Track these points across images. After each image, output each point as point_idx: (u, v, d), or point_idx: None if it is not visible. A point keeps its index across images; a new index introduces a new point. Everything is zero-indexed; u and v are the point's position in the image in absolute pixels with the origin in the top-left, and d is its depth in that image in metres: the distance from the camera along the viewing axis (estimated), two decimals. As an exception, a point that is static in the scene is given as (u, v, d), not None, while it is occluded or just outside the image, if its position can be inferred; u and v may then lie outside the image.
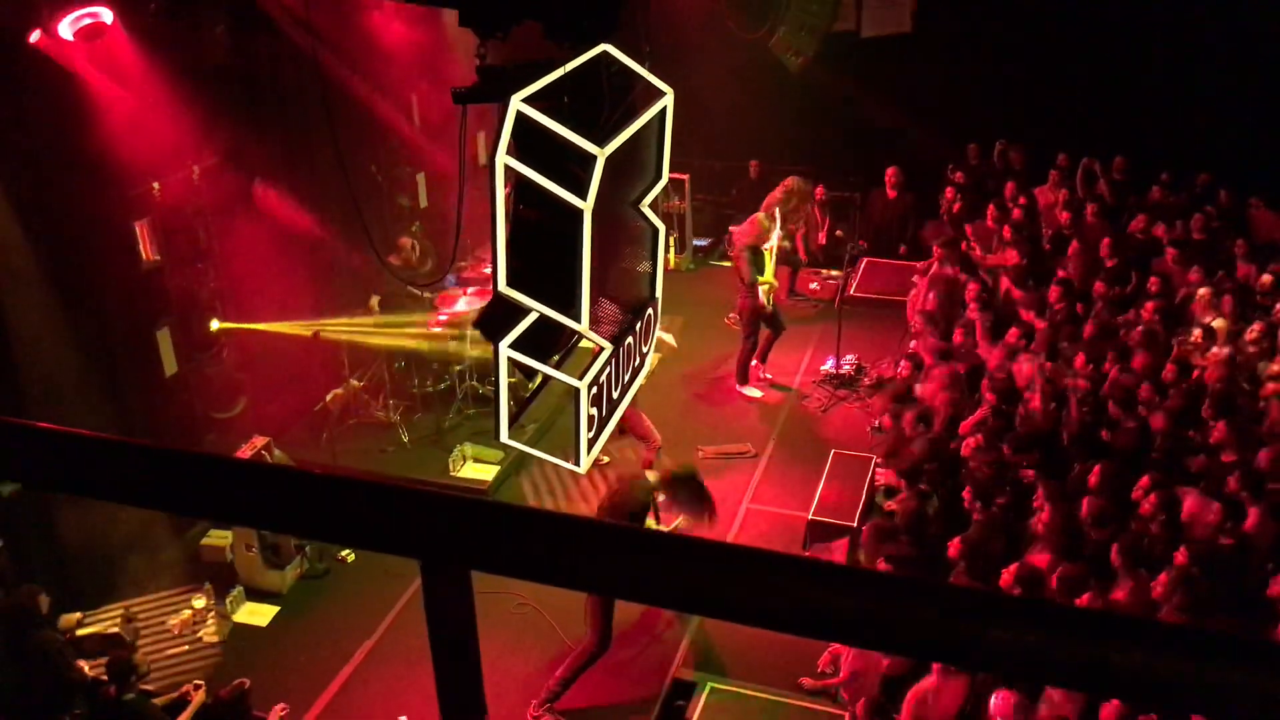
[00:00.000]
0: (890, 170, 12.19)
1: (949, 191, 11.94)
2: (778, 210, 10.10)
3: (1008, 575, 6.10)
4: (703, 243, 13.34)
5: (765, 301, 10.00)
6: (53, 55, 6.56)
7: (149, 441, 1.23)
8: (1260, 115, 11.07)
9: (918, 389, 8.72)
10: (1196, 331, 8.61)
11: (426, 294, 9.51)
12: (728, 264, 11.87)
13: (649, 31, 4.94)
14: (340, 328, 9.23)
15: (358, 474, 8.81)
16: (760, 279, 9.91)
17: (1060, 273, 9.84)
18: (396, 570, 7.57)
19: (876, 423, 9.51)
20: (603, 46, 4.49)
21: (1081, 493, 6.90)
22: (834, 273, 12.12)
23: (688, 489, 6.68)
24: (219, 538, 8.15)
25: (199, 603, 7.72)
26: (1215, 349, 8.33)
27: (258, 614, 7.77)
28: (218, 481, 1.17)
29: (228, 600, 7.73)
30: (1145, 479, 6.84)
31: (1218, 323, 8.64)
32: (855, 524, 7.75)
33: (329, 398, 9.57)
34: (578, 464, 4.87)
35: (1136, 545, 6.33)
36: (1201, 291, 9.01)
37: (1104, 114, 11.69)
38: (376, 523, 1.11)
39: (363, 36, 9.61)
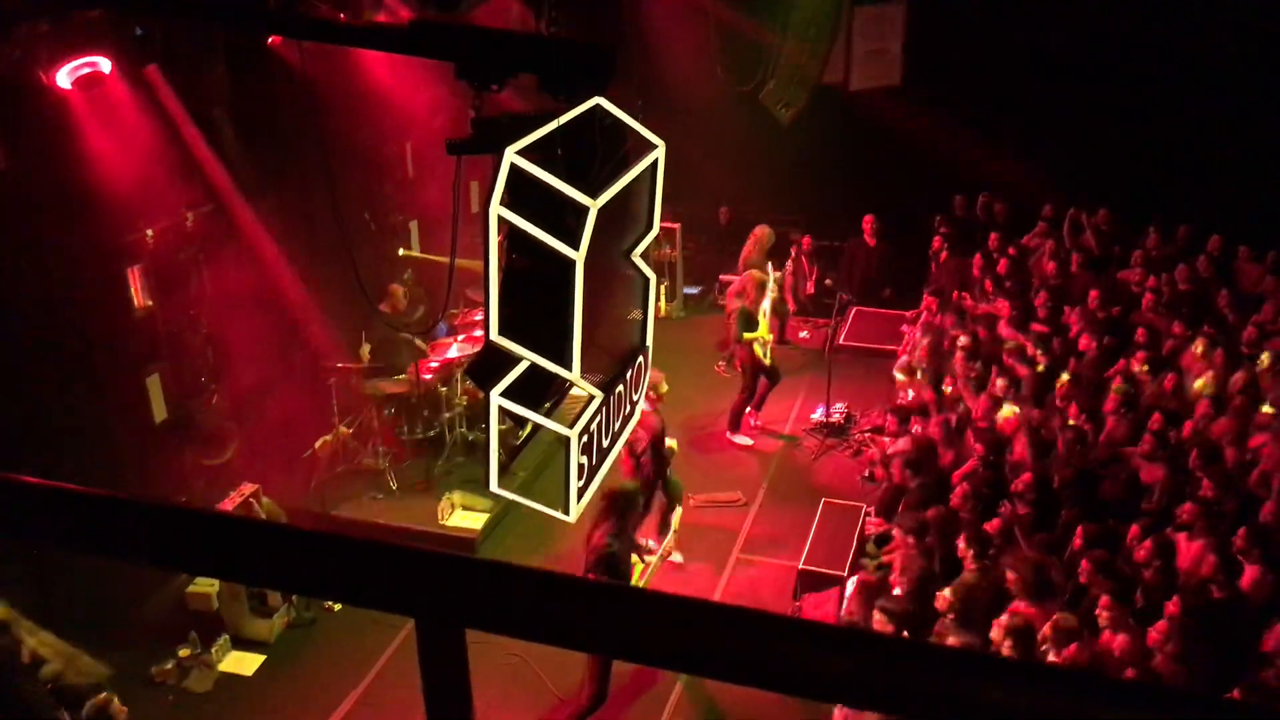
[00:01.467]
0: (867, 218, 12.33)
1: (936, 241, 12.06)
2: (769, 266, 10.30)
3: (998, 628, 6.07)
4: (693, 291, 13.42)
5: (762, 355, 10.05)
6: (50, 103, 6.61)
7: (138, 496, 1.23)
8: (1246, 166, 11.23)
9: (902, 442, 8.72)
10: (1170, 376, 8.67)
11: (419, 342, 9.51)
12: (717, 313, 11.99)
13: (642, 85, 5.01)
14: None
15: (346, 523, 8.78)
16: (753, 335, 10.00)
17: (1040, 326, 9.91)
18: (384, 620, 7.48)
19: (868, 472, 9.52)
20: (596, 100, 4.55)
21: (1069, 541, 6.90)
22: (823, 321, 12.19)
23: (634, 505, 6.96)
24: (205, 585, 8.07)
25: (184, 652, 7.62)
26: (1203, 399, 8.36)
27: (244, 663, 7.67)
28: (216, 539, 1.17)
29: (214, 649, 7.64)
30: (1136, 528, 6.84)
31: (1206, 376, 8.70)
32: (845, 574, 7.72)
33: (318, 444, 9.53)
34: (567, 513, 4.85)
35: (1128, 595, 6.32)
36: (1196, 346, 9.07)
37: (1089, 166, 11.85)
38: (375, 581, 1.11)
39: (359, 85, 9.70)
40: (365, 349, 9.69)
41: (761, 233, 11.32)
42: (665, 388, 8.50)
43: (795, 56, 12.06)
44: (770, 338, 10.22)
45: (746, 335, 10.02)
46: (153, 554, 1.32)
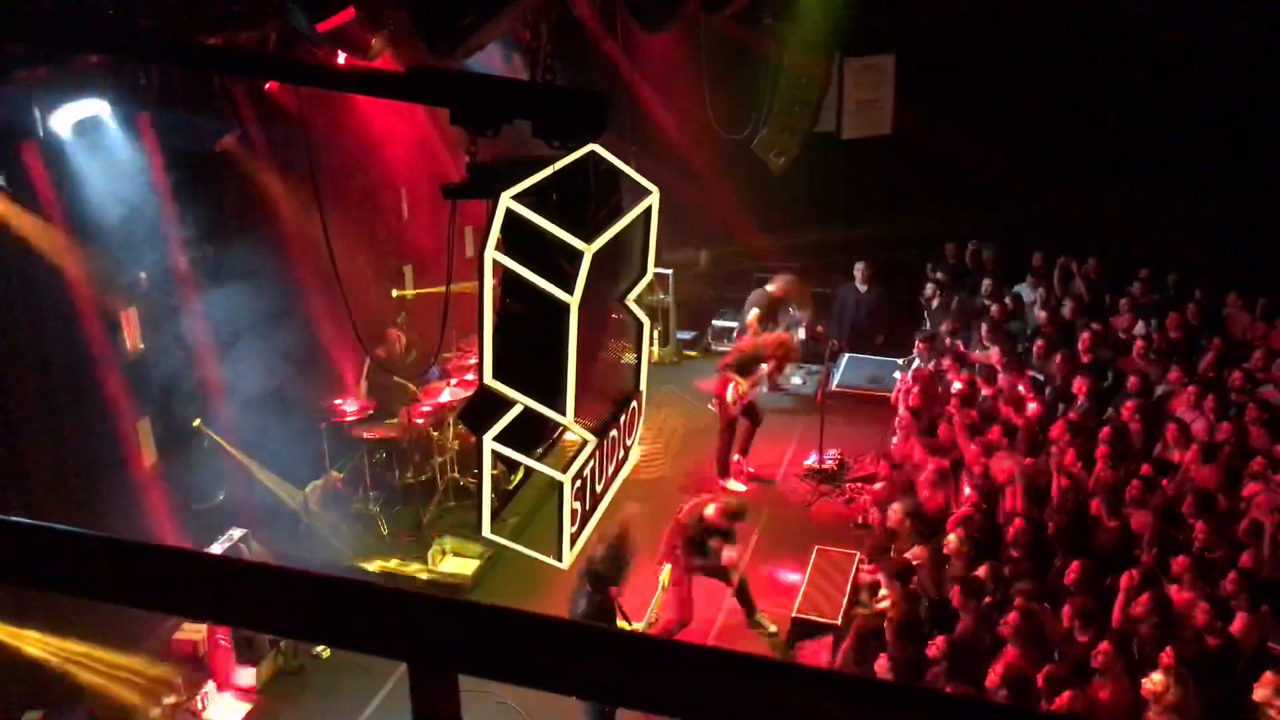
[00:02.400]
0: (859, 264, 12.40)
1: (928, 288, 12.13)
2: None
3: (993, 677, 6.02)
4: (686, 336, 13.44)
5: (731, 399, 9.97)
6: (47, 147, 6.64)
7: (126, 536, 1.22)
8: (1236, 214, 11.35)
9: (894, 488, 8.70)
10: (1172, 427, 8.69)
11: (413, 387, 9.50)
12: (711, 358, 12.04)
13: (636, 132, 5.06)
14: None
15: (336, 568, 8.68)
16: (736, 378, 9.98)
17: (1035, 373, 9.96)
18: (372, 668, 7.41)
19: (860, 518, 9.48)
20: (591, 146, 4.59)
21: (1062, 591, 6.87)
22: (815, 367, 12.19)
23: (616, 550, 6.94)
24: (192, 631, 7.97)
25: (170, 700, 7.51)
26: (1194, 447, 8.37)
27: (231, 711, 7.56)
28: (208, 581, 1.16)
29: (199, 696, 7.53)
30: (1129, 576, 6.82)
31: (1197, 423, 8.72)
32: (838, 622, 7.67)
33: (308, 489, 9.47)
34: (559, 560, 4.83)
35: (1125, 645, 6.28)
36: (1185, 390, 9.10)
37: (1079, 214, 11.97)
38: (367, 624, 1.10)
39: (355, 128, 9.77)
40: (363, 386, 9.67)
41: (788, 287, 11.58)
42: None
43: (788, 106, 12.20)
44: (745, 386, 10.14)
45: (730, 372, 10.02)
46: (142, 596, 1.30)
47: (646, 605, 7.92)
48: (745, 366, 10.14)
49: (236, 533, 8.19)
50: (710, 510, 7.78)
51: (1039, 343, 10.51)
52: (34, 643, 6.85)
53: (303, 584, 1.16)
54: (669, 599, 7.75)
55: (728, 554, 7.77)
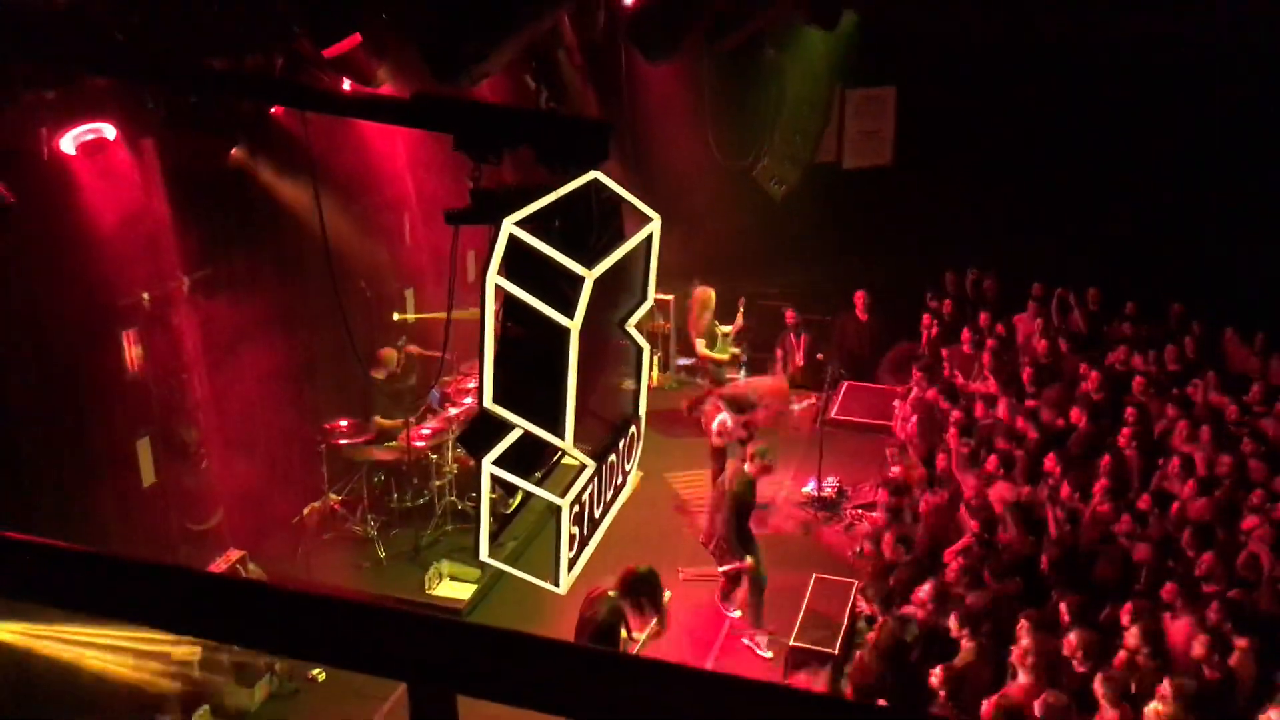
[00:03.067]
0: (859, 294, 12.44)
1: (926, 318, 12.16)
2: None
3: (989, 706, 6.00)
4: (686, 362, 13.46)
5: (717, 433, 9.77)
6: (54, 167, 6.68)
7: (126, 554, 1.24)
8: (1235, 246, 11.40)
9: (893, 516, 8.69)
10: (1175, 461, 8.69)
11: (411, 420, 9.49)
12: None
13: (638, 160, 5.10)
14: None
15: (333, 591, 8.65)
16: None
17: (1035, 403, 9.96)
18: (367, 691, 7.37)
19: (859, 547, 9.46)
20: (593, 173, 4.63)
21: (1059, 621, 6.85)
22: (815, 395, 12.20)
23: (647, 586, 6.71)
24: (185, 653, 7.93)
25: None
26: (1190, 480, 8.37)
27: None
28: (208, 598, 1.17)
29: (194, 719, 7.49)
30: (1127, 607, 6.80)
31: (1196, 455, 8.72)
32: (836, 652, 7.64)
33: (306, 511, 9.47)
34: (557, 584, 4.81)
35: (1124, 677, 6.26)
36: (1180, 423, 9.11)
37: (1078, 244, 12.02)
38: (367, 644, 1.11)
39: (358, 151, 9.84)
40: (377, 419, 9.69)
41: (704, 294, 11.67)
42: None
43: (789, 136, 12.28)
44: (732, 429, 9.97)
45: (721, 402, 10.00)
46: (141, 613, 1.31)
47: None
48: (737, 403, 10.17)
49: (234, 554, 8.17)
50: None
51: (1035, 372, 10.52)
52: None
53: (303, 603, 1.17)
54: None
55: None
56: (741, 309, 12.24)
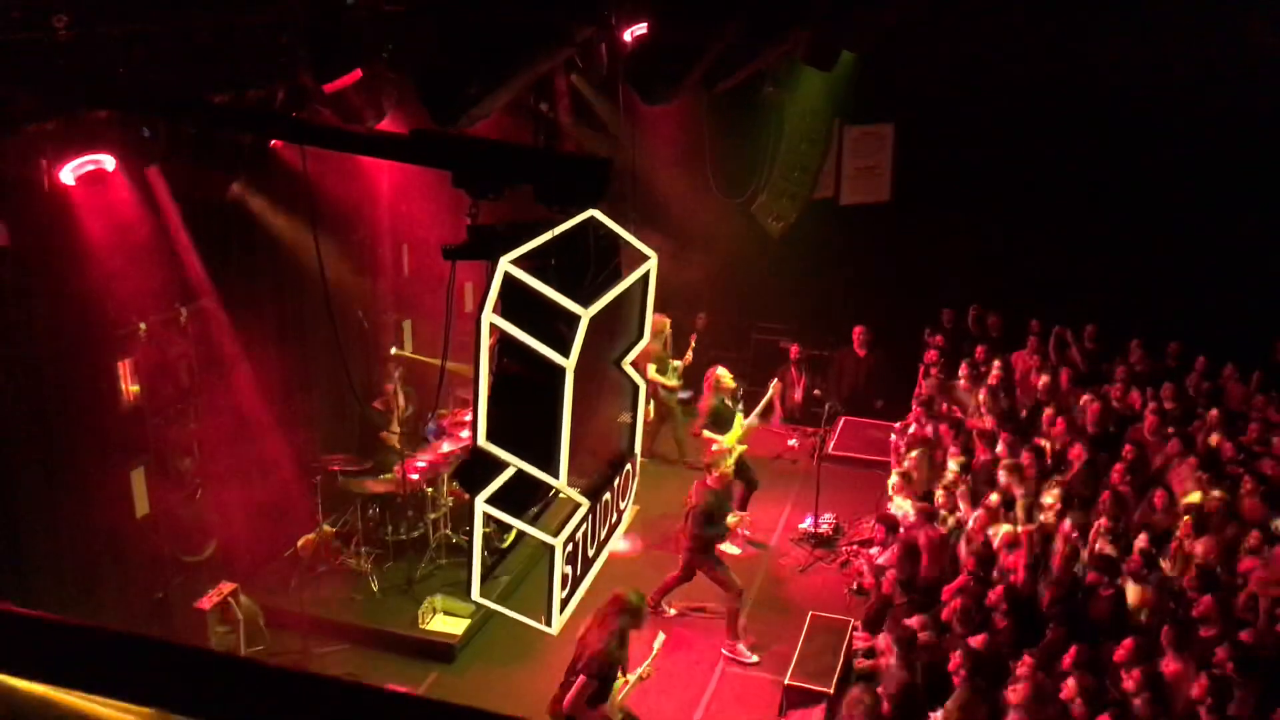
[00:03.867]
0: (858, 329, 12.46)
1: (929, 354, 12.15)
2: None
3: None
4: (684, 396, 13.42)
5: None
6: (53, 199, 6.69)
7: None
8: (1234, 285, 11.43)
9: (890, 554, 8.64)
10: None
11: (406, 452, 9.46)
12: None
13: (635, 197, 5.11)
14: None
15: (326, 624, 8.55)
16: (725, 439, 9.94)
17: (1038, 439, 9.95)
18: None
19: (855, 584, 9.41)
20: (591, 211, 4.64)
21: (1057, 660, 6.81)
22: (812, 430, 12.17)
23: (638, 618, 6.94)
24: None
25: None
26: (1187, 519, 8.34)
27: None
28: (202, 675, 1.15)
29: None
30: (1126, 645, 6.76)
31: (1194, 495, 8.70)
32: (832, 690, 7.57)
33: (300, 543, 9.40)
34: (549, 624, 4.78)
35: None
36: (1183, 462, 9.08)
37: (1077, 281, 12.05)
38: None
39: (357, 183, 9.87)
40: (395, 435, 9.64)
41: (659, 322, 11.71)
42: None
43: (787, 172, 12.33)
44: (743, 446, 10.07)
45: (707, 433, 10.09)
46: (140, 692, 1.28)
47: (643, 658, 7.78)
48: (718, 421, 10.16)
49: (226, 586, 8.11)
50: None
51: (1032, 410, 10.52)
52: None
53: (317, 686, 1.14)
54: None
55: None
56: (693, 344, 12.24)
